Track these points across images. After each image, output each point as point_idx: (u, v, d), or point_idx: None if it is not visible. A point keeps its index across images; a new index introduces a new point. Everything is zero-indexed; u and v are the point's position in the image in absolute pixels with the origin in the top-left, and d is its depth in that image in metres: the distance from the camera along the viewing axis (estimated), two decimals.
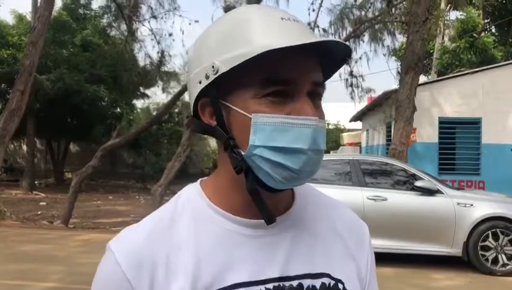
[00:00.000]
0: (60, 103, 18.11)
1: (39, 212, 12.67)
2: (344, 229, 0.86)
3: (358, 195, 6.94)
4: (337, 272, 0.80)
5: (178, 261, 0.73)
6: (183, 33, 16.93)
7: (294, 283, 0.76)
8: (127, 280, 0.72)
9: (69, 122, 20.56)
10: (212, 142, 24.19)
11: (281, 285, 0.75)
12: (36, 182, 19.46)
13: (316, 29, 13.30)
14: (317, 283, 0.78)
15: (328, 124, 28.10)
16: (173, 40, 14.73)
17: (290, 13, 0.77)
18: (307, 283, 0.77)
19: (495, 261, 6.76)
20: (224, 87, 0.73)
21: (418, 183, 6.98)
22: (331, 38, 0.72)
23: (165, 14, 13.98)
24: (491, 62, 15.29)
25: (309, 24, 13.30)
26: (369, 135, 16.74)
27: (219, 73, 0.71)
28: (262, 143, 0.70)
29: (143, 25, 14.30)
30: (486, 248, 6.77)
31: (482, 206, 6.90)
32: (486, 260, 6.75)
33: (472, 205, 6.87)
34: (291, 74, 0.71)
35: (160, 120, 18.52)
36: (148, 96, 22.74)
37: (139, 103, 24.39)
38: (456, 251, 6.79)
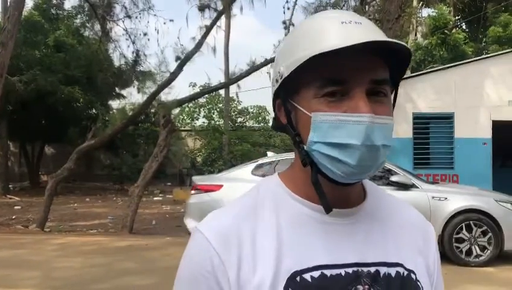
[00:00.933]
0: (34, 105, 17.77)
1: (14, 217, 12.41)
2: (413, 226, 0.91)
3: None
4: (409, 263, 0.85)
5: (263, 242, 0.79)
6: (158, 32, 16.66)
7: (372, 269, 0.81)
8: (217, 254, 0.78)
9: (43, 124, 20.19)
10: (190, 143, 24.08)
11: (360, 270, 0.80)
12: (10, 186, 19.07)
13: (291, 28, 13.34)
14: (392, 271, 0.82)
15: None
16: (148, 39, 14.56)
17: (356, 15, 0.82)
18: (383, 270, 0.82)
19: (469, 252, 6.93)
20: (291, 89, 0.82)
21: (393, 178, 7.09)
22: (384, 39, 0.74)
23: (140, 14, 13.84)
24: (462, 58, 15.60)
25: (284, 22, 13.38)
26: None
27: (283, 77, 0.80)
28: (319, 139, 0.77)
29: (117, 24, 14.12)
30: (461, 240, 6.93)
31: (455, 199, 7.06)
32: (461, 251, 6.92)
33: (446, 198, 7.02)
34: (345, 74, 0.76)
35: (137, 120, 18.35)
36: (124, 97, 22.49)
37: (114, 104, 24.10)
38: None
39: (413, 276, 0.84)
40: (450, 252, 6.90)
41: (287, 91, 0.82)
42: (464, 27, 22.42)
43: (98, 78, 17.53)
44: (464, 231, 6.93)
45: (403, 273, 0.83)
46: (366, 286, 0.79)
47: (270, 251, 0.78)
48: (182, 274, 0.82)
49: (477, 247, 6.93)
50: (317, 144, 0.77)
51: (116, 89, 21.40)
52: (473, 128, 11.35)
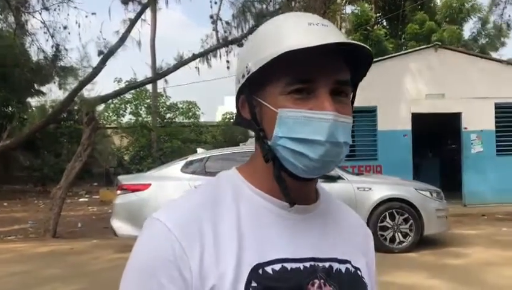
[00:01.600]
0: None
1: None
2: (356, 228, 0.98)
3: None
4: (356, 261, 0.90)
5: (224, 232, 0.79)
6: (79, 26, 15.84)
7: (326, 264, 0.84)
8: (178, 242, 0.76)
9: None
10: (117, 140, 23.29)
11: (316, 265, 0.83)
12: None
13: (219, 22, 13.24)
14: (343, 267, 0.86)
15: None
16: (69, 33, 13.73)
17: (322, 19, 0.86)
18: (335, 266, 0.85)
19: (392, 239, 7.26)
20: (257, 85, 0.84)
21: None
22: (349, 41, 0.78)
23: (59, 6, 13.09)
24: (384, 54, 16.31)
25: (211, 17, 13.24)
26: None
27: (250, 73, 0.82)
28: (285, 134, 0.80)
29: (33, 17, 13.26)
30: (385, 228, 7.24)
31: (379, 189, 7.37)
32: (385, 239, 7.23)
33: (370, 188, 7.30)
34: (312, 74, 0.80)
35: (58, 119, 17.40)
36: (43, 94, 21.23)
37: (33, 101, 22.75)
38: None
39: (359, 273, 0.89)
40: (375, 240, 7.13)
41: (252, 87, 0.84)
42: (384, 24, 23.45)
43: (14, 74, 16.44)
44: (388, 219, 7.24)
45: (351, 270, 0.88)
46: (322, 281, 0.82)
47: (231, 242, 0.79)
48: (136, 264, 0.79)
49: (400, 234, 7.27)
50: (283, 139, 0.80)
51: (35, 85, 20.21)
52: (394, 121, 11.93)
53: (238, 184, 0.87)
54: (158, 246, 0.77)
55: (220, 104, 34.95)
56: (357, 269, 0.89)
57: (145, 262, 0.77)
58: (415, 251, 7.25)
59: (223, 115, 27.65)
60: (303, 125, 0.79)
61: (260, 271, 0.78)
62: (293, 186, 0.83)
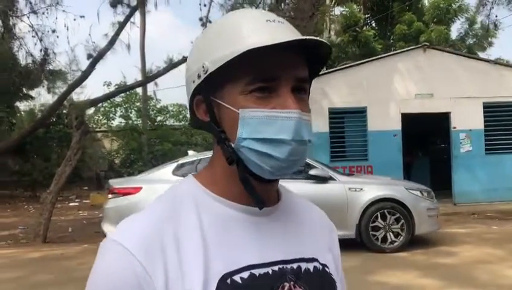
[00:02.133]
0: None
1: None
2: (321, 224, 0.96)
3: None
4: (322, 258, 0.89)
5: (188, 246, 0.76)
6: (67, 29, 15.78)
7: (294, 265, 0.83)
8: (140, 265, 0.72)
9: None
10: (107, 144, 23.16)
11: (284, 267, 0.82)
12: None
13: (209, 24, 13.23)
14: (311, 266, 0.85)
15: None
16: (57, 36, 13.65)
17: (276, 16, 0.84)
18: (303, 266, 0.84)
19: (384, 239, 7.29)
20: (215, 85, 0.80)
21: (311, 172, 7.28)
22: (311, 37, 0.76)
23: (47, 9, 13.02)
24: (372, 54, 16.40)
25: (201, 19, 13.25)
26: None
27: (208, 72, 0.78)
28: (249, 135, 0.77)
29: (21, 20, 13.20)
30: (376, 228, 7.27)
31: (370, 189, 7.40)
32: (377, 239, 7.26)
33: (362, 189, 7.33)
34: (274, 71, 0.77)
35: (48, 123, 17.29)
36: (32, 98, 21.12)
37: (22, 105, 22.56)
38: (350, 233, 7.20)
39: (327, 270, 0.88)
40: (367, 240, 7.21)
41: (209, 87, 0.81)
42: (373, 25, 23.57)
43: (2, 78, 16.26)
44: (379, 219, 7.27)
45: (319, 267, 0.87)
46: (292, 283, 0.81)
47: (196, 254, 0.75)
48: None
49: (391, 234, 7.31)
50: (247, 140, 0.77)
51: (24, 89, 20.02)
52: (384, 121, 12.00)
53: (197, 193, 0.83)
54: (118, 271, 0.72)
55: None
56: (324, 265, 0.88)
57: None
58: (407, 250, 7.29)
59: None
60: (267, 125, 0.76)
61: (228, 281, 0.76)
62: (257, 188, 0.81)
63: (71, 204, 17.24)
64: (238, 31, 0.79)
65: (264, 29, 0.78)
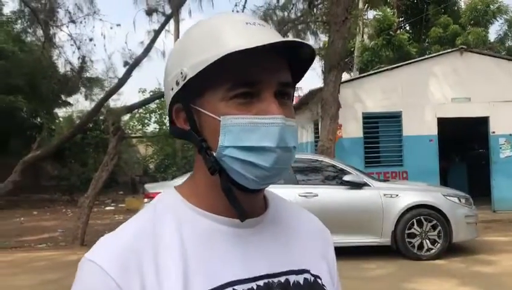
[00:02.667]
0: None
1: None
2: (312, 232, 0.91)
3: (290, 193, 7.03)
4: (314, 269, 0.84)
5: (167, 261, 0.73)
6: (104, 38, 16.28)
7: (282, 279, 0.79)
8: (117, 286, 0.69)
9: None
10: (142, 149, 23.59)
11: (271, 282, 0.77)
12: None
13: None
14: (301, 278, 0.81)
15: None
16: (94, 44, 14.07)
17: (257, 18, 0.81)
18: (292, 278, 0.80)
19: (420, 246, 7.14)
20: (194, 92, 0.76)
21: (346, 178, 7.21)
22: (294, 39, 0.73)
23: (84, 19, 13.40)
24: (407, 58, 16.15)
25: None
26: (298, 133, 17.09)
27: (187, 79, 0.75)
28: (231, 143, 0.73)
29: (61, 30, 13.60)
30: (412, 235, 7.13)
31: (406, 195, 7.27)
32: (413, 246, 7.12)
33: (397, 195, 7.21)
34: (256, 76, 0.74)
35: (85, 128, 17.77)
36: (70, 104, 21.74)
37: (61, 112, 23.27)
38: (385, 240, 7.09)
39: (319, 281, 0.84)
40: (402, 247, 7.08)
41: (188, 95, 0.77)
42: (407, 28, 23.22)
43: (42, 85, 16.85)
44: (415, 226, 7.13)
45: (310, 279, 0.82)
46: None
47: (176, 272, 0.72)
48: None
49: (428, 241, 7.15)
50: (229, 148, 0.73)
51: (62, 96, 20.67)
52: (420, 126, 11.77)
53: (178, 207, 0.79)
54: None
55: None
56: (316, 277, 0.83)
57: None
58: (444, 258, 7.12)
59: None
60: (250, 132, 0.72)
61: None
62: (241, 198, 0.76)
63: (107, 208, 17.62)
64: (217, 35, 0.75)
65: (243, 33, 0.74)
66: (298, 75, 0.83)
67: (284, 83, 0.77)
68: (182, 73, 0.76)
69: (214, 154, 0.75)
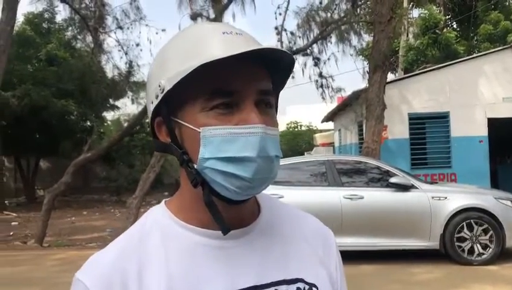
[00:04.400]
0: (27, 119, 17.71)
1: (11, 233, 12.29)
2: (311, 235, 0.88)
3: (335, 195, 7.00)
4: (310, 276, 0.81)
5: (151, 278, 0.73)
6: (150, 42, 16.66)
7: (271, 289, 0.77)
8: None
9: (38, 138, 20.10)
10: None
11: None
12: (6, 202, 18.91)
13: (284, 33, 13.35)
14: (293, 288, 0.79)
15: (301, 125, 28.27)
16: (141, 49, 14.52)
17: (234, 27, 0.79)
18: (282, 289, 0.78)
19: (471, 251, 6.91)
20: (174, 104, 0.76)
21: (392, 180, 7.09)
22: (268, 46, 0.72)
23: (131, 25, 13.83)
24: (454, 57, 15.68)
25: (276, 28, 13.38)
26: (342, 134, 16.92)
27: (165, 91, 0.74)
28: (212, 155, 0.72)
29: (109, 36, 14.09)
30: (462, 239, 6.92)
31: (455, 198, 7.06)
32: (463, 250, 6.90)
33: (446, 197, 7.02)
34: (234, 85, 0.73)
35: (132, 131, 18.29)
36: (118, 108, 22.46)
37: (109, 115, 24.05)
38: (434, 243, 6.91)
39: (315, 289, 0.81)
40: (452, 252, 6.88)
41: (168, 107, 0.76)
42: (454, 26, 22.55)
43: (92, 90, 17.48)
44: (465, 229, 6.92)
45: (304, 288, 0.80)
46: None
47: (160, 286, 0.73)
48: None
49: (479, 245, 6.91)
50: (210, 160, 0.72)
51: (110, 100, 21.36)
52: (469, 126, 11.40)
53: (165, 222, 0.79)
54: None
55: (282, 114, 35.09)
56: (312, 285, 0.81)
57: None
58: (496, 263, 6.86)
59: (287, 124, 27.69)
60: (230, 142, 0.71)
61: None
62: (225, 210, 0.75)
63: None
64: (193, 45, 0.74)
65: (219, 42, 0.73)
66: (280, 82, 0.81)
67: (263, 90, 0.75)
68: (159, 86, 0.75)
69: (195, 166, 0.74)
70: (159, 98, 0.75)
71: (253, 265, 0.78)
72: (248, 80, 0.74)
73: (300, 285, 0.80)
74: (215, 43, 0.73)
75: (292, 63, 0.78)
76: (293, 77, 13.14)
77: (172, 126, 0.77)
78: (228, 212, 0.76)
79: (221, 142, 0.72)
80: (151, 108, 0.79)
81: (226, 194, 0.74)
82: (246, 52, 0.69)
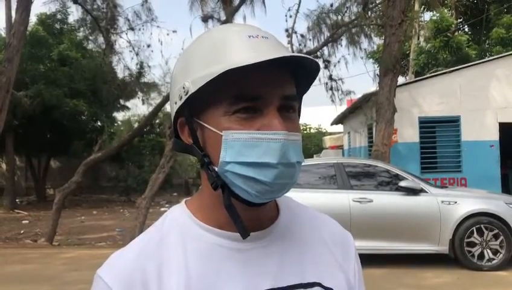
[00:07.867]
0: (39, 119, 17.87)
1: (22, 231, 12.42)
2: (330, 239, 0.88)
3: (344, 198, 6.98)
4: (328, 281, 0.81)
5: (170, 278, 0.74)
6: (161, 44, 16.83)
7: None
8: None
9: (49, 138, 20.28)
10: None
11: None
12: (17, 200, 19.10)
13: (294, 35, 13.35)
14: None
15: (310, 128, 28.23)
16: (152, 51, 14.54)
17: (260, 29, 0.78)
18: None
19: (481, 256, 6.86)
20: (197, 106, 0.76)
21: (402, 184, 7.06)
22: (294, 54, 0.73)
23: (143, 26, 13.90)
24: (465, 61, 15.56)
25: (286, 30, 13.39)
26: (351, 137, 16.88)
27: (189, 93, 0.74)
28: (233, 159, 0.72)
29: (120, 37, 14.17)
30: (472, 244, 6.87)
31: (465, 203, 7.01)
32: (473, 255, 6.85)
33: (456, 202, 6.97)
34: (258, 90, 0.73)
35: (142, 132, 18.38)
36: (128, 109, 22.56)
37: (119, 116, 24.18)
38: (443, 248, 6.87)
39: None
40: (461, 257, 6.84)
41: (192, 109, 0.77)
42: (466, 29, 22.40)
43: (103, 90, 17.59)
44: (475, 234, 6.87)
45: None
46: None
47: (178, 286, 0.73)
48: None
49: (489, 251, 6.86)
50: (230, 164, 0.72)
51: (121, 101, 21.47)
52: (480, 130, 11.32)
53: (185, 222, 0.80)
54: None
55: None
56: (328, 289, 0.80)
57: None
58: (507, 269, 6.80)
59: None
60: (252, 147, 0.71)
61: None
62: (244, 213, 0.76)
63: (162, 209, 18.11)
64: (218, 49, 0.74)
65: (245, 46, 0.73)
66: (304, 86, 0.82)
67: (287, 96, 0.76)
68: (184, 88, 0.75)
69: (216, 169, 0.74)
70: (183, 99, 0.76)
71: (271, 268, 0.78)
72: (272, 86, 0.74)
73: (318, 289, 0.79)
74: (241, 47, 0.73)
75: (317, 69, 0.78)
76: None
77: (194, 128, 0.77)
78: (247, 214, 0.76)
79: (242, 147, 0.72)
80: (174, 108, 0.79)
81: (246, 197, 0.74)
82: (273, 59, 0.69)
